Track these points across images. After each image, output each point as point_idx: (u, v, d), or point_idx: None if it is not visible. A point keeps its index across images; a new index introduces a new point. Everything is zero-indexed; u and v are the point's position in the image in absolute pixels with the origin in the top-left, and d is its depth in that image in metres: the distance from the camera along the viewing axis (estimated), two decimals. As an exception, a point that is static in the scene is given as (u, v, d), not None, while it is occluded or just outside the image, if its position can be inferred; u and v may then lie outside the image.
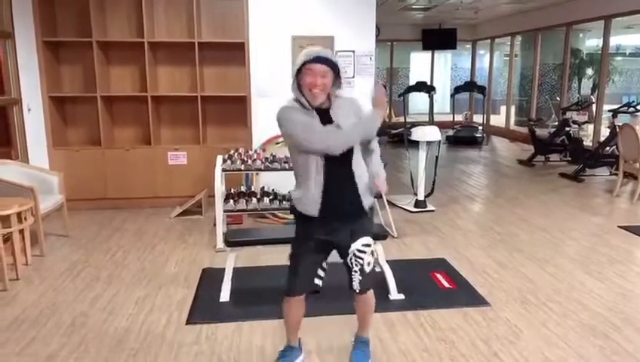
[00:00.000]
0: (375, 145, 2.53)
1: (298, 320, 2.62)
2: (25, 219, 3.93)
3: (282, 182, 4.67)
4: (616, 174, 6.85)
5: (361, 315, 2.68)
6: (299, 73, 2.29)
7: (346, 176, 2.37)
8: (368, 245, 2.44)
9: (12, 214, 3.75)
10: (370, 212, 2.50)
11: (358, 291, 2.49)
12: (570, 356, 2.78)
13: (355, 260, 2.42)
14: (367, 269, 2.45)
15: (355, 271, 2.43)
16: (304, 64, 2.25)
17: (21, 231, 3.95)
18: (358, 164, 2.40)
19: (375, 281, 2.58)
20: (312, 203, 2.34)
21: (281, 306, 2.57)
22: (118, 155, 5.76)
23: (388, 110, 13.47)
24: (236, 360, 2.76)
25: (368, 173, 2.46)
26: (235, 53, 5.74)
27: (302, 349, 2.72)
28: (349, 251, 2.41)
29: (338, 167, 2.34)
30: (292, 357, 2.66)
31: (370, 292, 2.57)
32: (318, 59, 2.25)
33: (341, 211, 2.38)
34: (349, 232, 2.41)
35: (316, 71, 2.25)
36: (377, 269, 2.51)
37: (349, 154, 2.34)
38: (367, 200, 2.43)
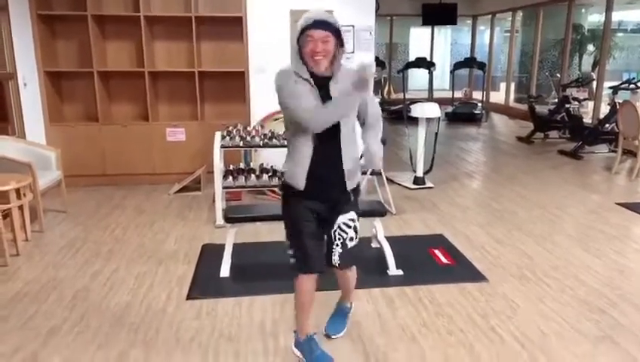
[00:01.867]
0: (371, 121, 2.46)
1: (312, 300, 2.50)
2: (24, 195, 3.92)
3: (281, 158, 4.62)
4: (615, 151, 6.85)
5: (343, 288, 2.73)
6: (300, 41, 2.20)
7: (333, 151, 2.31)
8: (353, 220, 2.44)
9: (10, 190, 3.74)
10: (356, 191, 2.45)
11: (337, 265, 2.46)
12: (567, 330, 2.82)
13: (339, 233, 2.42)
14: (350, 244, 2.45)
15: (337, 245, 2.42)
16: (303, 31, 2.17)
17: (20, 208, 3.95)
18: (348, 141, 2.32)
19: (356, 258, 2.57)
20: (298, 176, 2.30)
21: (295, 292, 2.47)
22: (115, 131, 5.72)
23: (383, 88, 13.37)
24: (236, 335, 2.79)
25: (363, 150, 2.43)
26: (232, 27, 5.66)
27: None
28: (335, 224, 2.40)
29: (326, 141, 2.28)
30: (318, 348, 2.52)
31: (353, 269, 2.60)
32: (318, 24, 2.16)
33: (325, 186, 2.34)
34: (335, 206, 2.39)
35: (316, 37, 2.16)
36: (354, 244, 2.48)
37: (335, 130, 2.26)
38: (352, 179, 2.37)
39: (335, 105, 2.20)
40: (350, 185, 2.38)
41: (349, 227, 2.43)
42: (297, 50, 2.23)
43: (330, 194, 2.38)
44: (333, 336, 2.73)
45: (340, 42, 2.23)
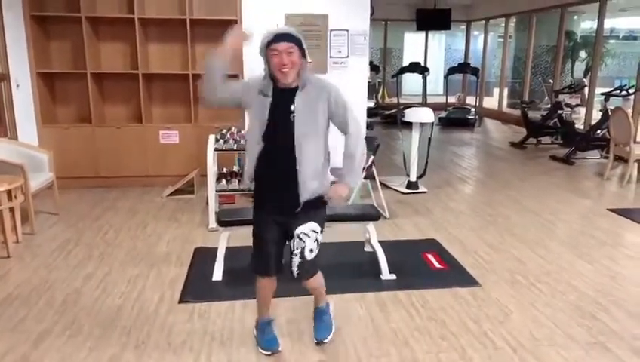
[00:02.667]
0: (351, 129, 2.41)
1: (270, 295, 2.66)
2: (15, 197, 3.89)
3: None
4: (606, 157, 6.90)
5: (312, 293, 2.73)
6: (266, 57, 2.28)
7: (285, 159, 2.31)
8: (315, 231, 2.42)
9: (2, 192, 3.72)
10: (316, 203, 2.41)
11: (295, 276, 2.46)
12: (558, 335, 2.83)
13: (297, 243, 2.40)
14: (308, 256, 2.42)
15: (295, 255, 2.42)
16: (267, 47, 2.24)
17: (11, 209, 3.92)
18: (308, 152, 2.30)
19: (317, 269, 2.55)
20: (247, 173, 2.42)
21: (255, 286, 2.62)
22: (108, 133, 5.70)
23: (377, 93, 13.38)
24: (229, 338, 2.78)
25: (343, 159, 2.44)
26: (227, 30, 5.64)
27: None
28: (294, 233, 2.40)
29: (277, 147, 2.32)
30: (273, 329, 2.72)
31: (313, 279, 2.57)
32: (280, 37, 2.23)
33: (274, 193, 2.40)
34: (294, 216, 2.37)
35: (281, 49, 2.22)
36: (312, 256, 2.46)
37: (290, 140, 2.29)
38: (307, 190, 2.33)
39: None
40: (305, 197, 2.34)
41: (309, 237, 2.41)
42: (265, 67, 2.31)
43: (281, 203, 2.39)
44: (324, 341, 2.72)
45: (302, 53, 2.29)
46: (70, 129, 5.67)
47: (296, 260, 2.43)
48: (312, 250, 2.43)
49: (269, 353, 2.62)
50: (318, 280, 2.63)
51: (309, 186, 2.34)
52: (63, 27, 5.65)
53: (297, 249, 2.42)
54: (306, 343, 2.74)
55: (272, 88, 2.33)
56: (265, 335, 2.67)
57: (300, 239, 2.41)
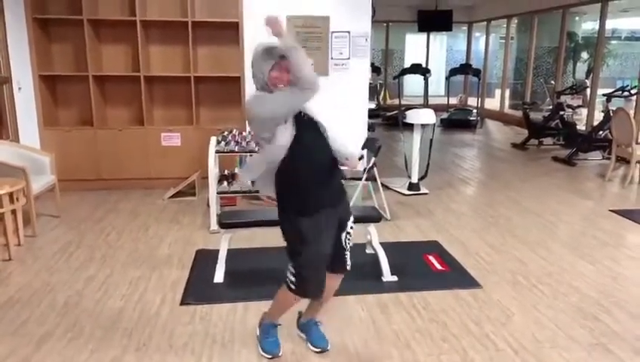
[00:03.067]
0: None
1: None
2: (17, 199, 3.90)
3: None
4: (608, 158, 6.89)
5: (328, 297, 2.68)
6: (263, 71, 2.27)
7: (323, 151, 2.42)
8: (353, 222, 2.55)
9: (4, 194, 3.72)
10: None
11: (349, 269, 2.59)
12: (560, 337, 2.83)
13: (347, 237, 2.54)
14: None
15: (347, 249, 2.56)
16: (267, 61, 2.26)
17: (13, 212, 3.93)
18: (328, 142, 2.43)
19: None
20: (306, 199, 2.42)
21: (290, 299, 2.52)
22: (110, 136, 5.71)
23: (379, 94, 13.37)
24: (230, 340, 2.78)
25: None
26: (229, 32, 5.67)
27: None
28: (346, 227, 2.53)
29: (313, 145, 2.39)
30: (276, 333, 2.70)
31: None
32: (278, 54, 2.25)
33: (334, 195, 2.48)
34: (344, 208, 2.52)
35: (283, 66, 2.24)
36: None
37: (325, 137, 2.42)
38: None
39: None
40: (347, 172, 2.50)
41: (352, 229, 2.54)
42: (261, 81, 2.30)
43: (332, 192, 2.47)
44: (328, 348, 2.68)
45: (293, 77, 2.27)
46: (72, 131, 5.68)
47: (348, 254, 2.53)
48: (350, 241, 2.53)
49: (269, 356, 2.62)
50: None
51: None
52: (64, 30, 5.67)
53: (350, 243, 2.53)
54: (307, 346, 2.73)
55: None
56: (269, 337, 2.67)
57: (349, 233, 2.51)
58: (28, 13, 5.31)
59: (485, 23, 13.21)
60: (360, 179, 4.83)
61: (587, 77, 12.76)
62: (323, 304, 2.68)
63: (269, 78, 2.27)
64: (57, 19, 5.56)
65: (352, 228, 2.52)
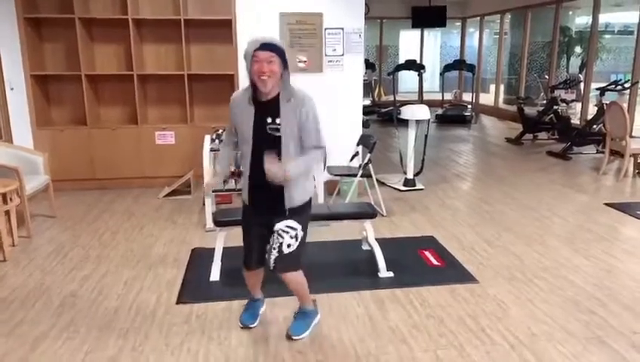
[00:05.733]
0: (317, 144, 2.51)
1: (256, 283, 2.90)
2: (10, 200, 3.88)
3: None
4: (602, 152, 6.91)
5: (294, 292, 2.79)
6: (249, 64, 2.35)
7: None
8: (293, 228, 2.55)
9: (-3, 195, 3.70)
10: (302, 207, 2.58)
11: (271, 268, 2.59)
12: (556, 331, 2.83)
13: (276, 238, 2.54)
14: (286, 250, 2.55)
15: (274, 248, 2.55)
16: (250, 54, 2.32)
17: (7, 213, 3.91)
18: (288, 158, 2.44)
19: (296, 265, 2.64)
20: (245, 191, 2.58)
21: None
22: (104, 135, 5.68)
23: (374, 90, 13.39)
24: (226, 338, 2.78)
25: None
26: (222, 30, 5.64)
27: (264, 300, 3.01)
28: (274, 229, 2.55)
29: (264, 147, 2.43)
30: (255, 308, 2.95)
31: (291, 275, 2.65)
32: (263, 46, 2.30)
33: (266, 202, 2.53)
34: (277, 214, 2.54)
35: (261, 57, 2.30)
36: (290, 250, 2.57)
37: (277, 145, 2.42)
38: (293, 200, 2.52)
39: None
40: (290, 205, 2.52)
41: (287, 233, 2.54)
42: (248, 72, 2.38)
43: (267, 209, 2.55)
44: (295, 337, 2.75)
45: (284, 64, 2.37)
46: (65, 131, 5.65)
47: (273, 254, 2.56)
48: (289, 246, 2.55)
49: (241, 326, 2.85)
50: (297, 278, 2.68)
51: (294, 196, 2.52)
52: (56, 29, 5.63)
53: (276, 243, 2.55)
54: (304, 342, 2.73)
55: (252, 98, 2.44)
56: (245, 311, 2.93)
57: (279, 235, 2.55)
58: (19, 13, 5.27)
59: (479, 18, 13.21)
60: (355, 175, 4.83)
61: (581, 71, 12.78)
62: (295, 292, 2.81)
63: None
64: (49, 18, 5.52)
65: (283, 230, 2.56)
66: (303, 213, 2.60)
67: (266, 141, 2.42)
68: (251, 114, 2.44)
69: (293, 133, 2.44)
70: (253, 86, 2.40)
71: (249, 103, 2.45)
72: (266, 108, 2.42)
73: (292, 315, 2.88)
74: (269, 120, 2.41)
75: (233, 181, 4.55)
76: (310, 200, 2.64)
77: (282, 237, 2.54)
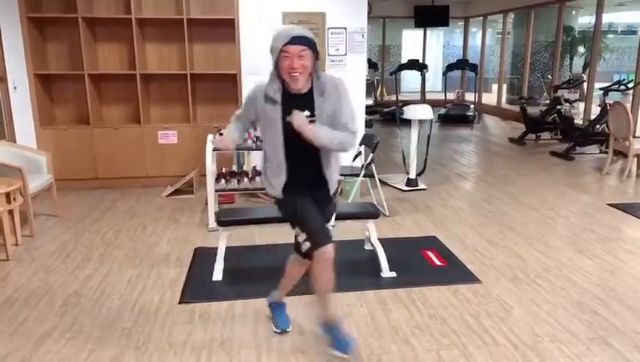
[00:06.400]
0: (350, 126, 2.41)
1: (298, 278, 2.77)
2: (14, 199, 3.89)
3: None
4: (606, 152, 6.90)
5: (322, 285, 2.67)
6: (276, 58, 2.22)
7: (310, 152, 2.37)
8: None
9: (1, 195, 3.71)
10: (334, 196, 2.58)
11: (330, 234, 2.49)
12: (559, 332, 2.83)
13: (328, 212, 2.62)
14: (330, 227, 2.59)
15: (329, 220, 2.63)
16: (280, 48, 2.17)
17: (10, 212, 3.91)
18: (329, 155, 2.43)
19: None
20: (276, 187, 2.44)
21: (292, 262, 2.71)
22: (107, 134, 5.69)
23: (376, 90, 13.39)
24: (229, 338, 2.78)
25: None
26: (225, 29, 5.65)
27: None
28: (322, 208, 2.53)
29: (304, 159, 2.38)
30: (285, 309, 2.89)
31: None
32: (294, 40, 2.15)
33: (308, 188, 2.45)
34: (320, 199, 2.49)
35: (292, 52, 2.16)
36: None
37: (312, 147, 2.32)
38: (334, 186, 2.51)
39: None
40: (332, 191, 2.52)
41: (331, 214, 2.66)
42: (274, 67, 2.24)
43: (307, 191, 2.46)
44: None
45: (316, 56, 2.26)
46: (68, 130, 5.66)
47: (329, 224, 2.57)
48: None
49: (279, 331, 2.78)
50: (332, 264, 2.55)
51: (335, 183, 2.51)
52: (59, 28, 5.64)
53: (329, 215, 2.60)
54: (308, 342, 2.73)
55: (281, 93, 2.28)
56: (278, 315, 2.84)
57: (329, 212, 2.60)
58: (22, 13, 5.28)
59: (482, 18, 13.19)
60: (358, 175, 4.83)
61: (584, 71, 12.75)
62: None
63: None
64: (52, 17, 5.54)
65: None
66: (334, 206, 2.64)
67: (299, 135, 2.25)
68: (279, 111, 2.28)
69: (328, 124, 2.32)
70: (282, 81, 2.26)
71: (276, 100, 2.28)
72: (299, 102, 2.26)
73: (294, 315, 2.88)
74: (306, 113, 2.26)
75: (236, 180, 4.56)
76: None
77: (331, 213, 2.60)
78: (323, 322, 2.58)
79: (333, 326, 2.54)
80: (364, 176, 4.87)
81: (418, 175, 5.87)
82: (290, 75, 2.18)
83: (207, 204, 4.56)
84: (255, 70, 5.36)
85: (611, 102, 6.91)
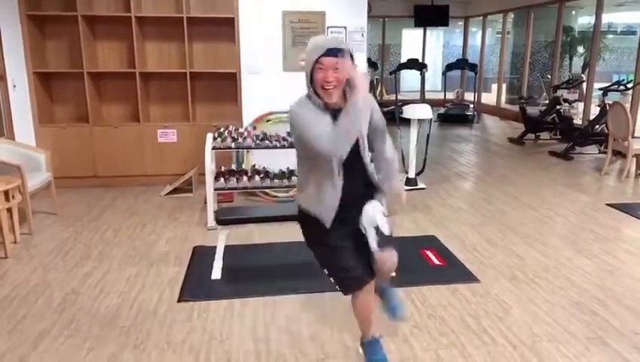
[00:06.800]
0: (388, 149, 2.38)
1: (373, 309, 2.47)
2: (12, 197, 3.88)
3: (273, 160, 4.66)
4: (605, 152, 6.90)
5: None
6: (311, 70, 2.06)
7: (363, 184, 2.27)
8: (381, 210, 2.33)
9: (-1, 192, 3.70)
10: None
11: (377, 248, 2.28)
12: (558, 331, 2.83)
13: (369, 229, 2.28)
14: (385, 231, 2.30)
15: (371, 237, 2.27)
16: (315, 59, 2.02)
17: (9, 210, 3.91)
18: (371, 171, 2.30)
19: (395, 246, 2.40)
20: (326, 214, 2.18)
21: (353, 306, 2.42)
22: (106, 132, 5.68)
23: (376, 89, 13.41)
24: (228, 337, 2.78)
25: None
26: (224, 28, 5.64)
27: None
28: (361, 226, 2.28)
29: (354, 178, 2.21)
30: (381, 344, 2.51)
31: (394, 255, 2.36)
32: (329, 52, 2.01)
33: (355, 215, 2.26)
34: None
35: (327, 65, 2.01)
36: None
37: (358, 159, 2.21)
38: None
39: (346, 116, 1.99)
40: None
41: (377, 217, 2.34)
42: (309, 80, 2.10)
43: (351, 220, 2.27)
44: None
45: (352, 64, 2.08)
46: (67, 128, 5.66)
47: (373, 240, 2.26)
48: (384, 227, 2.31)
49: None
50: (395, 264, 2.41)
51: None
52: (59, 26, 5.64)
53: (371, 232, 2.27)
54: (306, 341, 2.73)
55: (325, 107, 2.10)
56: (375, 354, 2.46)
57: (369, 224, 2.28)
58: (22, 10, 5.28)
59: (481, 17, 13.19)
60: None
61: (583, 71, 12.76)
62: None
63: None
64: (51, 15, 5.53)
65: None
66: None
67: (352, 157, 2.13)
68: (329, 123, 2.05)
69: (366, 141, 2.22)
70: (317, 94, 2.09)
71: (323, 112, 2.08)
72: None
73: (294, 314, 2.87)
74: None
75: (235, 179, 4.55)
76: None
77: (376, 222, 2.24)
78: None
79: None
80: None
81: (417, 174, 5.87)
82: (323, 88, 2.05)
83: (206, 202, 4.55)
84: (254, 69, 5.37)
85: (610, 102, 6.91)
